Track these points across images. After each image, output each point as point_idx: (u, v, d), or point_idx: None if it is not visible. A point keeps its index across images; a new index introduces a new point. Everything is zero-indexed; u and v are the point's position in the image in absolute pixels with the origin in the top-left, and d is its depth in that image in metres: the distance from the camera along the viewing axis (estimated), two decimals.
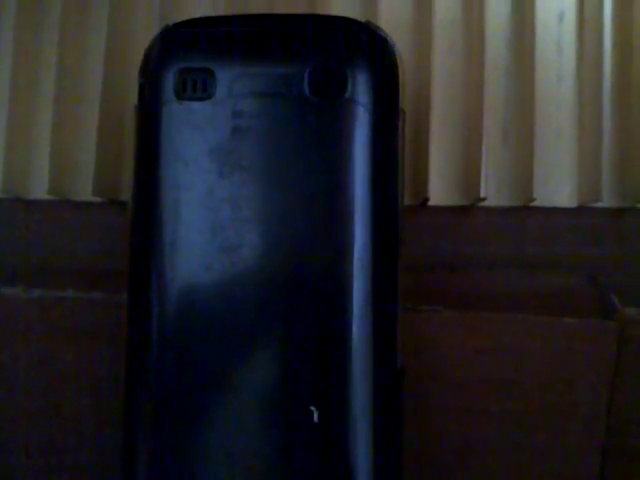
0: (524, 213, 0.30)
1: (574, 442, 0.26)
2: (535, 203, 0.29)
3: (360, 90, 0.22)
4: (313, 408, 0.21)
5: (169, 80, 0.22)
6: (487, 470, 0.27)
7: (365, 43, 0.22)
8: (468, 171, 0.29)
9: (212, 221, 0.22)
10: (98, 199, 0.29)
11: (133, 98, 0.23)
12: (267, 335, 0.22)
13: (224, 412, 0.22)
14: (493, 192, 0.29)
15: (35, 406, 0.27)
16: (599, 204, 0.29)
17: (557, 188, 0.30)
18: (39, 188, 0.29)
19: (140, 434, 0.22)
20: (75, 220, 0.30)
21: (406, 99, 0.24)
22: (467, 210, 0.30)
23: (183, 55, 0.23)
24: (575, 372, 0.26)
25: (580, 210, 0.30)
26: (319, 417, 0.21)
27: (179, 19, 0.23)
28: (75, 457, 0.27)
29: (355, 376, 0.22)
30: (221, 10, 0.29)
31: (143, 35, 0.26)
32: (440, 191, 0.29)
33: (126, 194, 0.28)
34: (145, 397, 0.22)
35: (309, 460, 0.22)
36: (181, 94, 0.22)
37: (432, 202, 0.29)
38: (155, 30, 0.23)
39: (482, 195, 0.28)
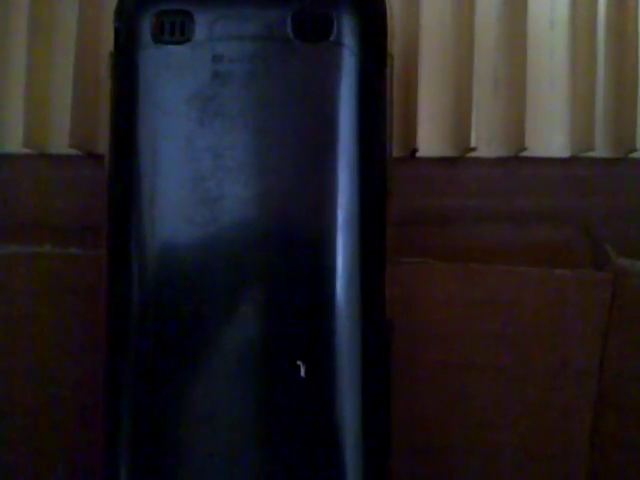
0: (515, 164, 0.29)
1: (566, 396, 0.26)
2: (526, 153, 0.28)
3: (346, 33, 0.21)
4: (300, 362, 0.21)
5: (146, 23, 0.21)
6: (477, 425, 0.27)
7: None
8: (458, 121, 0.29)
9: (193, 172, 0.21)
10: (75, 152, 0.28)
11: (109, 45, 0.22)
12: (251, 289, 0.21)
13: (208, 369, 0.21)
14: (484, 142, 0.29)
15: (11, 366, 0.26)
16: (592, 154, 0.29)
17: (549, 138, 0.29)
18: (13, 142, 0.28)
19: (121, 393, 0.22)
20: (51, 174, 0.29)
21: (395, 45, 0.23)
22: (457, 161, 0.29)
23: None
24: (567, 325, 0.26)
25: (573, 160, 0.29)
26: (306, 372, 0.21)
27: None
28: (54, 418, 0.27)
29: (342, 330, 0.21)
30: None
31: None
32: (429, 142, 0.28)
33: (103, 146, 0.27)
34: (126, 354, 0.22)
35: (297, 416, 0.21)
36: (158, 37, 0.21)
37: (421, 153, 0.28)
38: None
39: (472, 145, 0.27)
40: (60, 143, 0.28)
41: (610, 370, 0.26)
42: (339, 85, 0.21)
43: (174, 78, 0.21)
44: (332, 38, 0.21)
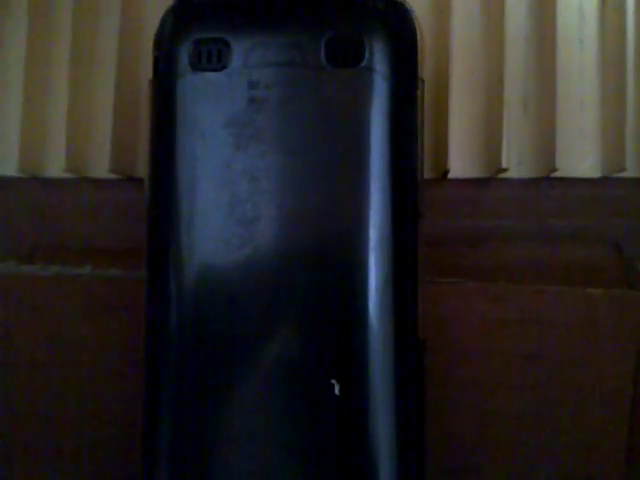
0: (546, 184, 0.29)
1: (598, 416, 0.26)
2: (557, 174, 0.28)
3: (378, 58, 0.22)
4: (334, 381, 0.21)
5: (184, 51, 0.22)
6: (508, 444, 0.27)
7: (383, 10, 0.22)
8: (489, 142, 0.29)
9: (229, 194, 0.22)
10: (115, 176, 0.29)
11: (148, 73, 0.23)
12: (287, 309, 0.22)
13: (245, 389, 0.22)
14: (514, 163, 0.29)
15: (53, 384, 0.27)
16: (623, 174, 0.29)
17: (580, 158, 0.29)
18: (56, 167, 0.29)
19: (161, 413, 0.22)
20: (92, 198, 0.30)
21: (425, 68, 0.23)
22: (488, 182, 0.29)
23: (197, 26, 0.22)
24: (599, 344, 0.26)
25: (603, 180, 0.29)
26: (340, 390, 0.21)
27: None
28: (95, 435, 0.27)
29: (376, 349, 0.21)
30: None
31: (157, 8, 0.25)
32: (460, 163, 0.29)
33: (143, 171, 0.28)
34: (165, 374, 0.22)
35: (331, 434, 0.21)
36: (196, 65, 0.22)
37: (452, 174, 0.28)
38: (169, 3, 0.23)
39: (503, 166, 0.27)
40: (101, 168, 0.29)
41: None
42: (371, 109, 0.22)
43: (211, 104, 0.22)
44: (364, 63, 0.21)
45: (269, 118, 0.22)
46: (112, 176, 0.29)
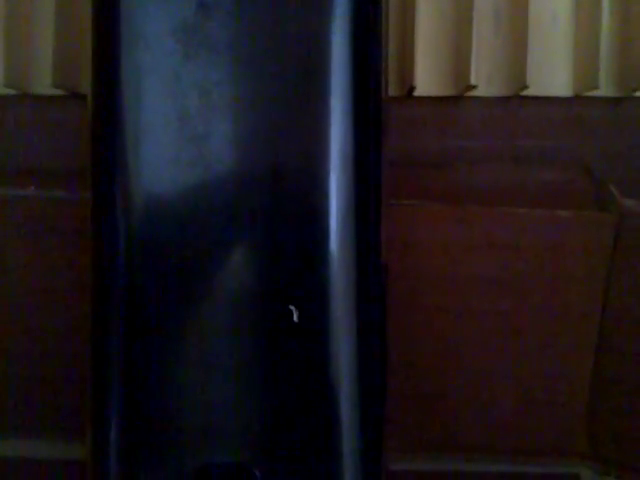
0: (516, 103, 0.28)
1: (566, 341, 0.26)
2: (528, 92, 0.27)
3: None
4: (292, 307, 0.20)
5: None
6: (475, 371, 0.26)
7: None
8: (458, 58, 0.28)
9: (178, 109, 0.20)
10: (59, 92, 0.27)
11: None
12: (242, 232, 0.21)
13: (200, 316, 0.21)
14: (484, 80, 0.28)
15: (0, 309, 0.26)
16: (596, 93, 0.27)
17: (552, 76, 0.28)
18: None
19: (111, 341, 0.21)
20: (34, 115, 0.28)
21: None
22: (456, 100, 0.28)
23: None
24: (568, 268, 0.26)
25: (576, 99, 0.28)
26: (299, 317, 0.20)
27: None
28: (42, 365, 0.27)
29: (337, 273, 0.21)
30: None
31: None
32: (427, 80, 0.27)
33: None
34: (114, 301, 0.21)
35: (291, 361, 0.21)
36: None
37: (418, 92, 0.27)
38: None
39: (472, 83, 0.26)
40: (43, 82, 0.27)
41: (612, 313, 0.26)
42: (331, 17, 0.20)
43: (157, 8, 0.20)
44: None
45: (221, 24, 0.20)
46: (56, 92, 0.27)
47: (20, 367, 0.27)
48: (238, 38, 0.20)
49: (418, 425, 0.27)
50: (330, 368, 0.21)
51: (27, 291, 0.26)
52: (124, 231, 0.21)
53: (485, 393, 0.27)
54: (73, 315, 0.26)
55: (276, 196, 0.20)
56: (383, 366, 0.22)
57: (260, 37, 0.20)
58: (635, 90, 0.28)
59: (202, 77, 0.20)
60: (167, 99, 0.20)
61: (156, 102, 0.20)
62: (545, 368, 0.26)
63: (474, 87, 0.27)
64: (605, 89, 0.28)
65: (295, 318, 0.20)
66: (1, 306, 0.26)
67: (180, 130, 0.20)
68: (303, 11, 0.20)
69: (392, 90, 0.26)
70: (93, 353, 0.21)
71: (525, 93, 0.27)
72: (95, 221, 0.21)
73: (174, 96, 0.20)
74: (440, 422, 0.27)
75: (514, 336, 0.26)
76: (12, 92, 0.28)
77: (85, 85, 0.26)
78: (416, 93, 0.27)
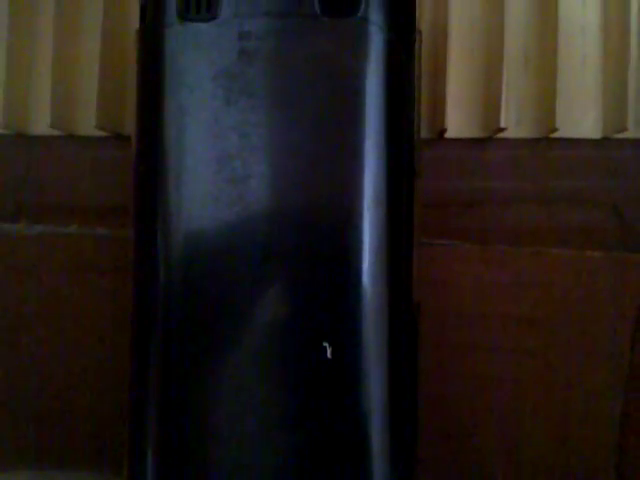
0: (545, 145, 0.28)
1: (596, 380, 0.26)
2: (557, 134, 0.28)
3: (374, 8, 0.21)
4: (326, 344, 0.21)
5: (172, 0, 0.21)
6: (503, 409, 0.26)
7: None
8: (487, 101, 0.28)
9: (219, 150, 0.21)
10: (102, 133, 0.28)
11: (136, 23, 0.22)
12: (278, 270, 0.21)
13: (235, 352, 0.21)
14: (513, 123, 0.28)
15: (39, 346, 0.27)
16: (624, 135, 0.28)
17: (581, 118, 0.28)
18: (41, 123, 0.28)
19: (149, 372, 0.22)
20: (78, 155, 0.29)
21: (422, 21, 0.22)
22: (486, 142, 0.28)
23: None
24: (597, 308, 0.26)
25: (604, 141, 0.28)
26: (332, 353, 0.21)
27: None
28: (79, 399, 0.27)
29: (369, 312, 0.21)
30: None
31: None
32: (458, 122, 0.28)
33: (130, 127, 0.27)
34: (153, 337, 0.22)
35: (323, 398, 0.21)
36: (184, 14, 0.21)
37: (449, 134, 0.28)
38: None
39: (502, 126, 0.27)
40: (87, 124, 0.28)
41: None
42: (366, 62, 0.21)
43: (200, 56, 0.21)
44: (359, 14, 0.21)
45: (260, 71, 0.21)
46: (99, 133, 0.28)
47: (60, 400, 0.27)
48: (276, 83, 0.21)
49: (448, 463, 0.27)
50: (362, 405, 0.21)
51: (69, 326, 0.27)
52: (164, 268, 0.21)
53: (514, 431, 0.27)
54: (112, 350, 0.26)
55: (311, 235, 0.21)
56: (414, 403, 0.22)
57: (297, 82, 0.21)
58: None
59: (242, 120, 0.21)
60: (208, 141, 0.21)
61: (197, 144, 0.21)
62: (574, 407, 0.26)
63: (504, 129, 0.27)
64: (634, 131, 0.28)
65: (329, 354, 0.21)
66: (43, 340, 0.27)
67: (220, 171, 0.21)
68: (339, 56, 0.21)
69: (424, 132, 0.27)
70: (131, 388, 0.22)
71: (554, 135, 0.28)
72: (136, 258, 0.22)
73: (215, 138, 0.21)
74: (470, 460, 0.27)
75: (544, 374, 0.26)
76: (57, 133, 0.28)
77: (128, 126, 0.28)
78: (447, 135, 0.28)
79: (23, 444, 0.27)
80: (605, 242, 0.27)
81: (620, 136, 0.28)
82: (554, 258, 0.26)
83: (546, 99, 0.28)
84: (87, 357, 0.27)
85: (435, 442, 0.26)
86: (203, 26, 0.21)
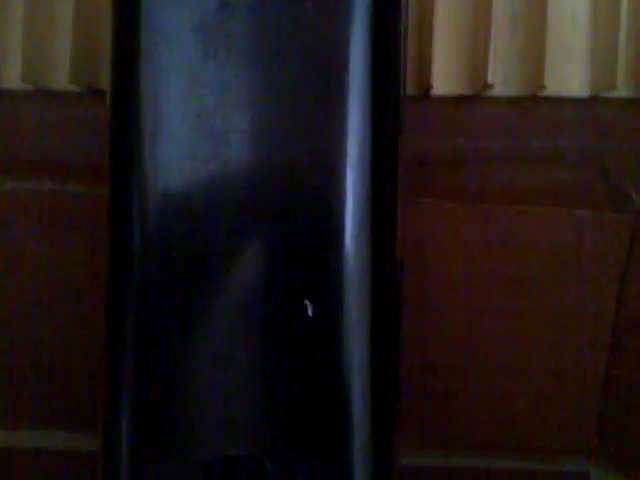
0: (532, 103, 0.28)
1: (580, 340, 0.26)
2: (545, 92, 0.27)
3: None
4: (307, 302, 0.20)
5: None
6: (491, 368, 0.26)
7: None
8: (474, 58, 0.27)
9: (197, 106, 0.20)
10: (76, 88, 0.28)
11: None
12: (259, 227, 0.21)
13: (214, 311, 0.21)
14: (500, 80, 0.28)
15: (11, 304, 0.26)
16: (613, 94, 0.27)
17: (569, 76, 0.28)
18: (12, 77, 0.28)
19: (125, 331, 0.21)
20: (52, 111, 0.28)
21: None
22: (472, 100, 0.28)
23: None
24: (583, 268, 0.26)
25: (592, 100, 0.28)
26: (313, 311, 0.20)
27: None
28: (53, 357, 0.27)
29: (352, 269, 0.21)
30: None
31: None
32: (444, 79, 0.27)
33: (105, 82, 0.27)
34: (129, 294, 0.21)
35: (305, 355, 0.21)
36: None
37: (435, 91, 0.27)
38: None
39: (489, 83, 0.26)
40: (60, 78, 0.27)
41: (626, 314, 0.26)
42: (351, 17, 0.20)
43: (178, 7, 0.20)
44: None
45: (241, 24, 0.20)
46: (73, 88, 0.27)
47: (32, 358, 0.27)
48: (257, 37, 0.20)
49: (430, 422, 0.27)
50: (343, 363, 0.21)
51: (41, 284, 0.26)
52: (140, 226, 0.21)
53: (497, 391, 0.27)
54: (87, 308, 0.26)
55: (292, 192, 0.21)
56: (396, 363, 0.22)
57: (279, 36, 0.20)
58: None
59: (221, 75, 0.20)
60: (185, 96, 0.20)
61: (174, 99, 0.20)
62: (557, 367, 0.26)
63: (490, 87, 0.27)
64: (623, 90, 0.28)
65: (310, 312, 0.20)
66: (16, 299, 0.26)
67: (198, 127, 0.20)
68: (322, 10, 0.20)
69: (409, 89, 0.26)
70: (107, 347, 0.21)
71: (541, 93, 0.27)
72: (111, 215, 0.21)
73: (193, 93, 0.20)
74: (452, 419, 0.27)
75: (528, 334, 0.26)
76: (29, 88, 0.28)
77: (103, 81, 0.27)
78: (433, 93, 0.27)
79: None
80: (592, 202, 0.27)
81: (609, 95, 0.28)
82: (541, 217, 0.26)
83: (534, 57, 0.27)
84: (61, 315, 0.27)
85: (417, 401, 0.26)
86: None
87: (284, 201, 0.21)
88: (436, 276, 0.26)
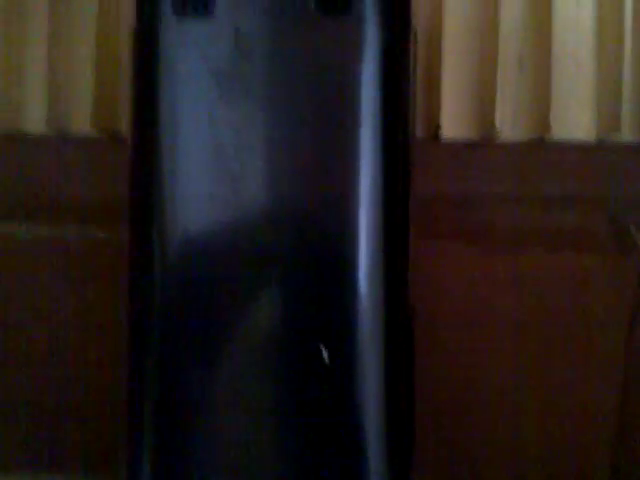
0: (539, 147, 0.28)
1: (592, 380, 0.26)
2: (552, 136, 0.28)
3: (369, 6, 0.21)
4: (322, 347, 0.20)
5: None
6: (502, 409, 0.26)
7: None
8: (482, 101, 0.28)
9: (214, 148, 0.21)
10: (96, 133, 0.28)
11: (131, 20, 0.22)
12: (273, 270, 0.21)
13: (230, 352, 0.21)
14: (508, 123, 0.28)
15: (34, 345, 0.27)
16: (617, 137, 0.28)
17: (575, 119, 0.28)
18: (36, 122, 0.28)
19: (146, 374, 0.21)
20: (73, 155, 0.29)
21: (418, 23, 0.22)
22: (480, 144, 0.28)
23: None
24: (591, 311, 0.26)
25: (597, 144, 0.28)
26: (329, 356, 0.20)
27: None
28: (75, 398, 0.27)
29: (366, 313, 0.21)
30: None
31: None
32: (453, 123, 0.28)
33: (125, 127, 0.27)
34: (149, 336, 0.21)
35: (320, 400, 0.21)
36: (180, 10, 0.21)
37: (444, 134, 0.28)
38: None
39: (496, 127, 0.27)
40: (82, 124, 0.28)
41: (636, 352, 0.26)
42: (362, 61, 0.21)
43: (195, 52, 0.21)
44: (355, 11, 0.21)
45: (255, 67, 0.21)
46: (94, 133, 0.28)
47: (55, 398, 0.27)
48: (271, 80, 0.21)
49: (445, 461, 0.27)
50: (359, 406, 0.21)
51: (64, 326, 0.27)
52: (160, 268, 0.21)
53: (510, 429, 0.27)
54: (108, 351, 0.26)
55: (306, 236, 0.21)
56: (411, 406, 0.22)
57: (292, 79, 0.21)
58: None
59: (236, 117, 0.21)
60: (203, 138, 0.21)
61: (193, 141, 0.21)
62: (570, 406, 0.26)
63: (498, 131, 0.27)
64: (627, 134, 0.28)
65: (325, 357, 0.20)
66: (40, 340, 0.27)
67: (214, 168, 0.21)
68: (334, 54, 0.21)
69: (419, 133, 0.27)
70: (128, 388, 0.22)
71: (548, 137, 0.28)
72: (132, 258, 0.22)
73: (210, 135, 0.21)
74: (467, 458, 0.27)
75: (539, 375, 0.26)
76: (52, 132, 0.29)
77: (124, 126, 0.28)
78: (442, 136, 0.28)
79: (15, 446, 0.27)
80: (599, 245, 0.27)
81: (614, 140, 0.28)
82: (548, 260, 0.26)
83: (540, 101, 0.28)
84: (82, 359, 0.27)
85: (432, 440, 0.26)
86: (198, 22, 0.21)
87: (299, 244, 0.21)
88: (445, 316, 0.26)
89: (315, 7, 0.21)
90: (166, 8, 0.21)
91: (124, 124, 0.28)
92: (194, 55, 0.21)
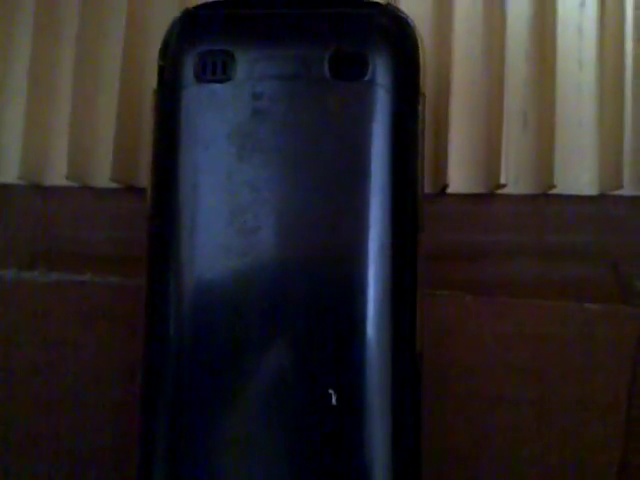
0: (544, 201, 0.29)
1: (594, 431, 0.26)
2: (555, 190, 0.29)
3: (381, 72, 0.22)
4: (331, 391, 0.21)
5: (189, 62, 0.22)
6: (505, 458, 0.27)
7: (386, 25, 0.22)
8: (488, 158, 0.29)
9: (231, 204, 0.22)
10: (116, 185, 0.29)
11: (151, 82, 0.23)
12: (286, 319, 0.22)
13: (243, 398, 0.22)
14: (513, 179, 0.29)
15: (52, 391, 0.27)
16: (620, 192, 0.29)
17: (578, 175, 0.29)
18: (57, 174, 0.29)
19: (158, 421, 0.22)
20: (93, 206, 0.30)
21: (426, 82, 0.23)
22: (487, 198, 0.29)
23: (203, 37, 0.22)
24: (595, 360, 0.26)
25: (601, 198, 0.29)
26: (337, 400, 0.21)
27: (199, 1, 0.23)
28: (92, 442, 0.27)
29: (374, 361, 0.21)
30: None
31: (162, 19, 0.26)
32: (460, 178, 0.29)
33: (144, 180, 0.28)
34: (163, 383, 0.22)
35: (328, 444, 0.21)
36: (201, 76, 0.22)
37: (452, 189, 0.29)
38: (174, 13, 0.23)
39: (502, 182, 0.28)
40: (102, 176, 0.29)
41: (638, 403, 0.26)
42: (373, 122, 0.22)
43: (215, 115, 0.22)
44: (367, 77, 0.22)
45: (272, 130, 0.22)
46: (113, 185, 0.29)
47: (71, 450, 0.27)
48: (287, 142, 0.22)
49: None
50: (365, 453, 0.21)
51: (79, 373, 0.27)
52: (175, 317, 0.22)
53: None
54: (119, 396, 0.27)
55: (317, 287, 0.22)
56: (417, 453, 0.22)
57: (306, 140, 0.22)
58: None
59: (253, 176, 0.22)
60: (220, 195, 0.22)
61: (210, 198, 0.22)
62: (573, 456, 0.26)
63: (504, 186, 0.28)
64: (629, 189, 0.29)
65: (334, 401, 0.21)
66: (56, 384, 0.27)
67: (231, 223, 0.22)
68: (346, 117, 0.22)
69: (427, 188, 0.28)
70: (141, 431, 0.22)
71: (552, 192, 0.29)
72: (148, 307, 0.23)
73: (227, 193, 0.22)
74: None
75: (543, 424, 0.27)
76: (73, 184, 0.29)
77: (143, 178, 0.28)
78: (449, 191, 0.29)
79: None
80: (602, 295, 0.27)
81: (616, 193, 0.29)
82: (553, 310, 0.26)
83: (544, 157, 0.29)
84: (98, 406, 0.27)
85: None
86: (218, 87, 0.22)
87: (311, 294, 0.22)
88: (453, 365, 0.27)
89: (329, 74, 0.22)
90: (188, 74, 0.22)
91: (142, 178, 0.29)
92: (214, 118, 0.22)
